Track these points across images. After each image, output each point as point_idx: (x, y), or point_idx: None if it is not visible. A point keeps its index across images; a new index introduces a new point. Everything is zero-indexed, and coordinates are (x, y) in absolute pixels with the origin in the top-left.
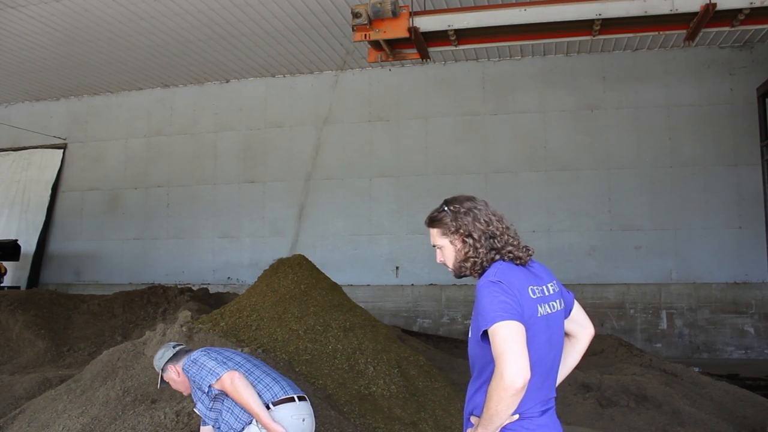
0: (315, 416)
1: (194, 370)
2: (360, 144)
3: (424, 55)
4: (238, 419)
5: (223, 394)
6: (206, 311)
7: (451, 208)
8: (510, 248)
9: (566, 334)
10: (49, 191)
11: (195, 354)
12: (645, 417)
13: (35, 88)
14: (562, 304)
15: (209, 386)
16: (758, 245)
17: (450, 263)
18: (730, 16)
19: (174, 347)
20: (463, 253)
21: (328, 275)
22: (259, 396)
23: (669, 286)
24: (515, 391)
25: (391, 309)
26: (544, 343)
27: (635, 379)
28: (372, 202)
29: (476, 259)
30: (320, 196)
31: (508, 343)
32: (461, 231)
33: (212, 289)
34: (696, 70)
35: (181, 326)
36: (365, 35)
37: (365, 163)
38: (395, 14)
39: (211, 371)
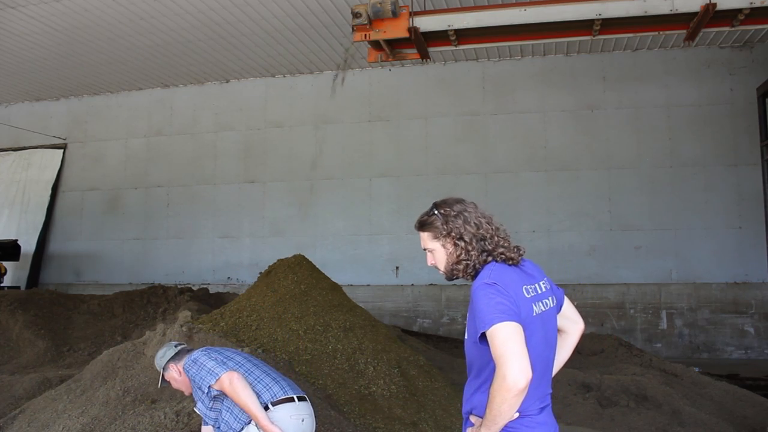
0: (315, 416)
1: (194, 370)
2: (360, 144)
3: (424, 55)
4: (238, 419)
5: (223, 394)
6: (206, 311)
7: (442, 211)
8: (501, 249)
9: (557, 330)
10: (49, 191)
11: (195, 354)
12: (645, 417)
13: (35, 88)
14: (554, 301)
15: (209, 387)
16: (758, 245)
17: (441, 266)
18: (730, 16)
19: (176, 346)
20: (455, 256)
21: (328, 275)
22: (259, 396)
23: (669, 286)
24: (518, 391)
25: (391, 309)
26: (540, 342)
27: (635, 379)
28: (372, 202)
29: (468, 262)
30: (320, 196)
31: (508, 344)
32: (453, 234)
33: (212, 289)
34: (696, 70)
35: (181, 326)
36: (365, 35)
37: (365, 163)
38: (395, 14)
39: (211, 371)
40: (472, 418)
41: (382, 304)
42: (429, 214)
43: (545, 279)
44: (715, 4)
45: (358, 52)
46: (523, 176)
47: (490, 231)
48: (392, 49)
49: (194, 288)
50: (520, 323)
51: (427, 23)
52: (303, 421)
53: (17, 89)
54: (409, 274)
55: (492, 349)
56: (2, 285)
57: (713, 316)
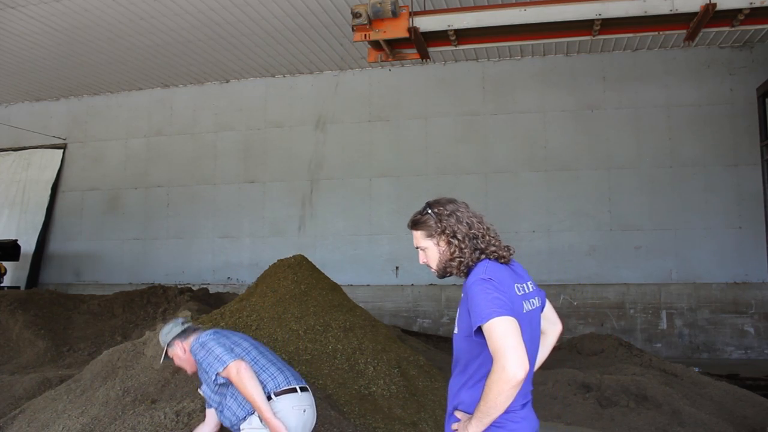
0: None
1: (202, 354)
2: (360, 144)
3: (424, 55)
4: (242, 406)
5: (228, 382)
6: (206, 311)
7: (435, 210)
8: (493, 248)
9: None
10: (49, 191)
11: (204, 336)
12: (645, 417)
13: (35, 88)
14: (539, 302)
15: (216, 374)
16: (758, 245)
17: (434, 264)
18: (730, 16)
19: (182, 323)
20: (448, 253)
21: (328, 275)
22: (263, 385)
23: (669, 286)
24: (516, 383)
25: (391, 309)
26: (527, 339)
27: (635, 379)
28: (372, 202)
29: (462, 259)
30: (320, 196)
31: (507, 337)
32: (446, 232)
33: (212, 289)
34: (696, 70)
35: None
36: (365, 35)
37: (365, 163)
38: (395, 14)
39: (219, 358)
40: (458, 414)
41: (382, 304)
42: (422, 213)
43: (531, 280)
44: (715, 4)
45: (358, 52)
46: (523, 176)
47: (482, 230)
48: (392, 49)
49: (194, 288)
50: (515, 318)
51: (427, 23)
52: (305, 411)
53: (17, 89)
54: (409, 274)
55: (489, 343)
56: (2, 285)
57: (713, 316)
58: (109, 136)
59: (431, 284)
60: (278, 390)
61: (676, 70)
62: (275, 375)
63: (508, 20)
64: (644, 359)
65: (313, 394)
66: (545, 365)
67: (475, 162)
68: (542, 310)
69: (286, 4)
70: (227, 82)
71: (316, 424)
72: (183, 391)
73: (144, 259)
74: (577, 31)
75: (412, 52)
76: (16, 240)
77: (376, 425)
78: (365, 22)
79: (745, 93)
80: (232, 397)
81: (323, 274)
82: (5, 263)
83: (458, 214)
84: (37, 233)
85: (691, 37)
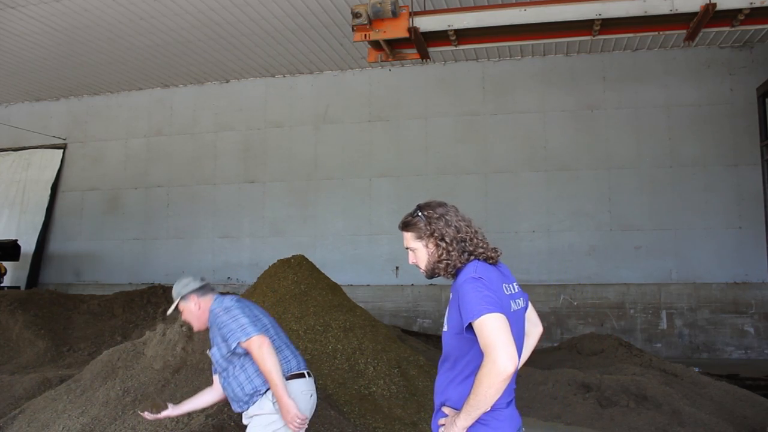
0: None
1: (224, 319)
2: (360, 144)
3: (424, 55)
4: (249, 380)
5: (243, 351)
6: None
7: (425, 213)
8: (481, 249)
9: None
10: (49, 191)
11: (228, 301)
12: (645, 417)
13: (35, 88)
14: (524, 302)
15: (237, 343)
16: (758, 245)
17: (422, 265)
18: (730, 16)
19: (201, 280)
20: (436, 255)
21: (328, 275)
22: None
23: (669, 286)
24: (507, 376)
25: (391, 309)
26: (514, 338)
27: (635, 379)
28: (372, 202)
29: (449, 261)
30: (320, 196)
31: (498, 332)
32: (435, 235)
33: None
34: (696, 70)
35: (181, 326)
36: (365, 35)
37: (365, 163)
38: (395, 14)
39: (243, 328)
40: (446, 410)
41: (382, 304)
42: (413, 215)
43: (516, 281)
44: (715, 4)
45: (358, 52)
46: (522, 176)
47: (470, 233)
48: (392, 49)
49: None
50: (505, 315)
51: (427, 23)
52: (311, 396)
53: (17, 89)
54: (409, 274)
55: (480, 338)
56: (2, 285)
57: (713, 316)
58: (109, 136)
59: (431, 284)
60: (290, 374)
61: (676, 70)
62: (289, 358)
63: (508, 20)
64: (644, 359)
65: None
66: (545, 365)
67: (475, 162)
68: (525, 311)
69: (286, 4)
70: (227, 82)
71: (316, 424)
72: (183, 391)
73: (144, 259)
74: (577, 31)
75: (412, 52)
76: (16, 240)
77: (376, 425)
78: (365, 22)
79: (745, 93)
80: (241, 369)
81: (323, 274)
82: (5, 263)
83: (447, 217)
84: (37, 233)
85: (691, 37)
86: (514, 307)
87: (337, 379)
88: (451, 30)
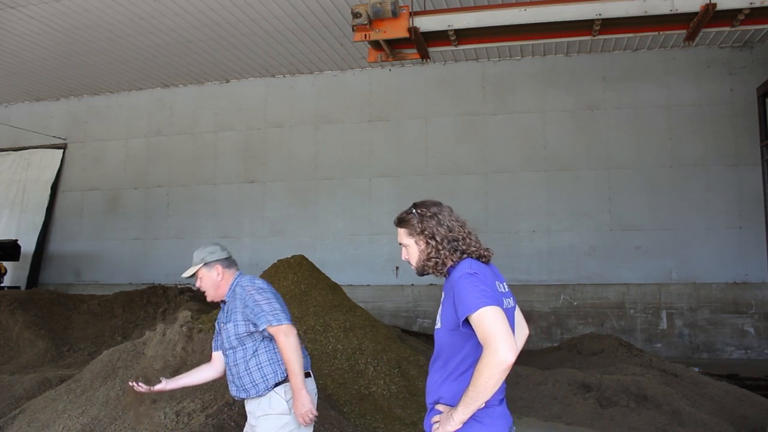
0: None
1: (258, 298)
2: (360, 144)
3: (424, 55)
4: (259, 368)
5: (260, 337)
6: (206, 311)
7: (419, 211)
8: (474, 248)
9: None
10: (49, 191)
11: (260, 282)
12: (645, 417)
13: (35, 88)
14: (513, 303)
15: (265, 328)
16: (758, 245)
17: (413, 261)
18: (730, 16)
19: (228, 252)
20: (425, 253)
21: (328, 275)
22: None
23: (669, 286)
24: (507, 366)
25: (391, 309)
26: None
27: (635, 379)
28: (372, 202)
29: (438, 260)
30: (320, 196)
31: (497, 324)
32: (426, 233)
33: None
34: (696, 70)
35: (181, 326)
36: (365, 35)
37: (365, 163)
38: (395, 14)
39: (275, 313)
40: (440, 407)
41: (382, 304)
42: (408, 212)
43: (505, 281)
44: (715, 4)
45: (358, 52)
46: (523, 176)
47: (462, 234)
48: (392, 49)
49: (194, 288)
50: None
51: (427, 23)
52: (315, 395)
53: (17, 89)
54: (409, 274)
55: (479, 331)
56: (2, 285)
57: (713, 316)
58: (109, 136)
59: (431, 284)
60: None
61: (676, 70)
62: (303, 356)
63: (508, 20)
64: (644, 359)
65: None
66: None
67: (475, 162)
68: (514, 312)
69: (286, 4)
70: (227, 82)
71: (316, 423)
72: (183, 391)
73: (144, 259)
74: (577, 31)
75: (412, 52)
76: (16, 240)
77: (376, 425)
78: (365, 22)
79: (745, 93)
80: (253, 354)
81: (323, 274)
82: (5, 263)
83: (440, 216)
84: (37, 233)
85: (691, 37)
86: (505, 305)
87: (337, 379)
88: (451, 30)
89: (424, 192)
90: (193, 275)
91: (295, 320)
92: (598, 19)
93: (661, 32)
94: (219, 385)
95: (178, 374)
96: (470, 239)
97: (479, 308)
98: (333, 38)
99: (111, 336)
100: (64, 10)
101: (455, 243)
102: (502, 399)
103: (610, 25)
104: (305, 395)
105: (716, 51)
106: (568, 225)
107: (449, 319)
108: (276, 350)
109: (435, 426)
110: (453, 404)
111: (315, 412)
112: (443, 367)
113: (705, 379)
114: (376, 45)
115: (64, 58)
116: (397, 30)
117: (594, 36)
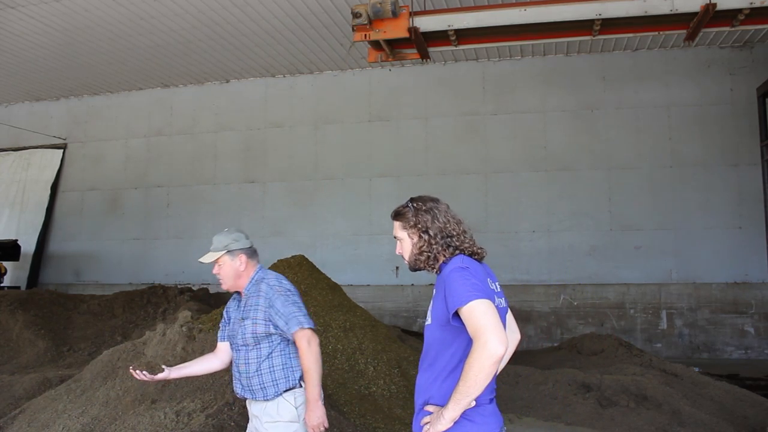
0: None
1: (287, 298)
2: (360, 144)
3: (424, 55)
4: (271, 371)
5: (278, 339)
6: (206, 311)
7: (414, 204)
8: (467, 245)
9: None
10: (49, 191)
11: (287, 282)
12: (645, 417)
13: (35, 88)
14: (505, 303)
15: (293, 332)
16: (758, 245)
17: (406, 255)
18: (730, 16)
19: (250, 240)
20: (418, 247)
21: (328, 275)
22: (295, 371)
23: (669, 286)
24: (497, 359)
25: (391, 309)
26: None
27: (635, 379)
28: (372, 202)
29: (429, 254)
30: (320, 196)
31: (487, 316)
32: (419, 227)
33: (212, 289)
34: (696, 70)
35: (181, 326)
36: (365, 35)
37: (365, 163)
38: (395, 14)
39: (300, 316)
40: (429, 407)
41: (382, 304)
42: (404, 206)
43: (497, 281)
44: (715, 4)
45: (358, 52)
46: (523, 176)
47: (457, 230)
48: (392, 49)
49: (194, 288)
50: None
51: (427, 23)
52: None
53: (17, 89)
54: (409, 274)
55: (469, 324)
56: (2, 285)
57: (713, 316)
58: (109, 136)
59: (431, 284)
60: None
61: (677, 70)
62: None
63: (508, 20)
64: (644, 359)
65: None
66: (545, 365)
67: (475, 162)
68: (506, 313)
69: (286, 4)
70: (227, 82)
71: None
72: (183, 391)
73: (144, 259)
74: (577, 31)
75: (412, 52)
76: (16, 240)
77: (376, 425)
78: (365, 22)
79: (746, 93)
80: (267, 356)
81: (323, 274)
82: (5, 263)
83: (435, 211)
84: (37, 233)
85: (691, 37)
86: (497, 304)
87: (337, 379)
88: (451, 30)
89: (424, 192)
90: (213, 262)
91: None
92: (598, 19)
93: (661, 32)
94: (219, 385)
95: None
96: (464, 237)
97: (470, 301)
98: (333, 38)
99: (111, 336)
100: (64, 10)
101: (449, 239)
102: (492, 398)
103: (610, 25)
104: (320, 407)
105: (716, 51)
106: (568, 225)
107: (440, 313)
108: (291, 355)
109: (426, 427)
110: (443, 405)
111: (327, 425)
112: (432, 365)
113: (705, 379)
114: (376, 45)
115: (64, 58)
116: (397, 30)
117: (594, 36)
